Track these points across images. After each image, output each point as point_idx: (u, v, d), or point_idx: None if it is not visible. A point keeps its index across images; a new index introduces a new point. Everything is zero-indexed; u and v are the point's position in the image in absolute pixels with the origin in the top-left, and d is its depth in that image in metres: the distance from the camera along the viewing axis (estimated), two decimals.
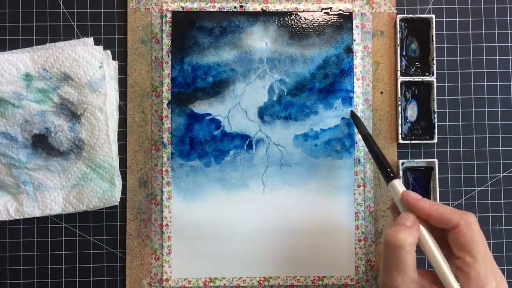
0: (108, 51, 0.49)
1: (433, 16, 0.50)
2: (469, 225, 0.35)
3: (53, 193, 0.49)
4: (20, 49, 0.49)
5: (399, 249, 0.35)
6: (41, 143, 0.48)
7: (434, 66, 0.50)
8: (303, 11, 0.50)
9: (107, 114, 0.48)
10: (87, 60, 0.48)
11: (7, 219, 0.49)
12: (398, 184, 0.39)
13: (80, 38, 0.50)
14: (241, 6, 0.50)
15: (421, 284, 0.35)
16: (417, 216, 0.37)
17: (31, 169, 0.48)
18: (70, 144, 0.48)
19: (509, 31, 0.52)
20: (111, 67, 0.49)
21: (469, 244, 0.34)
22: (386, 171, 0.41)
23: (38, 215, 0.49)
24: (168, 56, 0.50)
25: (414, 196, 0.38)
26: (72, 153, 0.48)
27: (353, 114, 0.49)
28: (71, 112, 0.48)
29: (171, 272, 0.49)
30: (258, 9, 0.50)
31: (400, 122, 0.50)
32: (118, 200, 0.49)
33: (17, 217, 0.49)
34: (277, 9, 0.50)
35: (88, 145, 0.48)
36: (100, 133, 0.48)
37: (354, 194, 0.50)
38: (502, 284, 0.34)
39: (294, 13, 0.50)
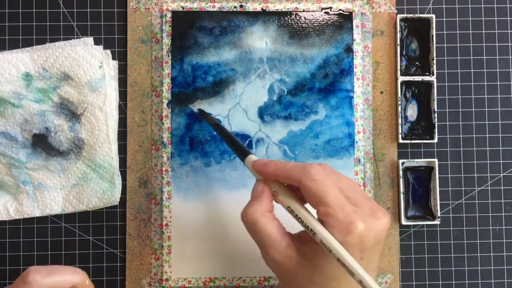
0: (108, 51, 0.49)
1: (433, 16, 0.50)
2: (310, 176, 0.33)
3: (53, 193, 0.49)
4: (20, 48, 0.49)
5: (255, 224, 0.34)
6: (41, 143, 0.48)
7: (434, 66, 0.50)
8: (303, 11, 0.50)
9: (107, 114, 0.48)
10: (87, 60, 0.48)
11: (7, 219, 0.49)
12: (253, 158, 0.38)
13: (80, 38, 0.50)
14: (241, 6, 0.50)
15: (297, 246, 0.34)
16: (270, 180, 0.35)
17: (31, 169, 0.48)
18: (70, 144, 0.48)
19: (509, 31, 0.52)
20: (111, 67, 0.50)
21: (316, 194, 0.32)
22: (241, 149, 0.40)
23: (38, 215, 0.49)
24: (168, 56, 0.50)
25: (262, 162, 0.36)
26: (72, 153, 0.48)
27: (201, 111, 0.49)
28: (71, 112, 0.48)
29: (171, 272, 0.49)
30: (258, 9, 0.50)
31: (400, 122, 0.50)
32: (118, 200, 0.49)
33: (17, 217, 0.49)
34: (277, 9, 0.50)
35: (88, 145, 0.48)
36: (100, 133, 0.48)
37: None
38: (373, 218, 0.32)
39: (294, 13, 0.50)
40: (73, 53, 0.48)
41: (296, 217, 0.35)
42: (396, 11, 0.51)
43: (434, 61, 0.50)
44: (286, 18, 0.50)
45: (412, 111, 0.51)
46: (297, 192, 0.36)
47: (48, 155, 0.48)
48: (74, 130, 0.48)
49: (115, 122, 0.49)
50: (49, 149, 0.48)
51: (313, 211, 0.35)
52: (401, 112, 0.50)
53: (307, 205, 0.35)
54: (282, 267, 0.34)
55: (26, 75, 0.47)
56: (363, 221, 0.32)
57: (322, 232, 0.32)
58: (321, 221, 0.33)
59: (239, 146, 0.41)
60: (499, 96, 0.52)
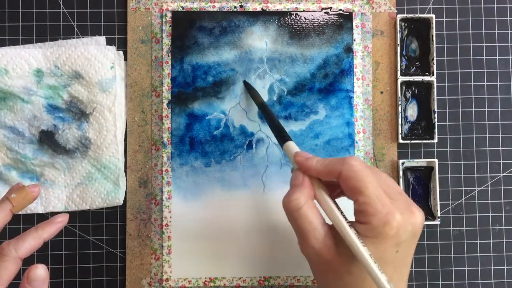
0: (121, 52, 0.50)
1: (433, 16, 0.50)
2: (351, 168, 0.34)
3: (57, 191, 0.49)
4: (33, 44, 0.50)
5: (298, 210, 0.35)
6: (48, 140, 0.49)
7: (434, 66, 0.50)
8: (303, 11, 0.51)
9: (116, 115, 0.48)
10: (99, 60, 0.48)
11: None
12: (292, 146, 0.40)
13: (80, 37, 0.51)
14: (241, 6, 0.51)
15: (334, 236, 0.35)
16: (310, 175, 0.37)
17: (37, 165, 0.49)
18: (77, 142, 0.49)
19: (509, 31, 0.52)
20: (122, 68, 0.50)
21: (356, 184, 0.33)
22: (281, 135, 0.42)
23: (40, 212, 0.49)
24: (168, 56, 0.50)
25: (304, 155, 0.38)
26: (78, 152, 0.49)
27: (246, 84, 0.50)
28: (80, 111, 0.49)
29: (171, 272, 0.49)
30: (258, 9, 0.51)
31: (400, 122, 0.50)
32: (122, 202, 0.49)
33: (19, 212, 0.49)
34: (277, 9, 0.51)
35: (94, 145, 0.49)
36: (107, 134, 0.48)
37: None
38: (409, 212, 0.34)
39: (294, 13, 0.50)
40: (85, 52, 0.48)
41: (328, 213, 0.36)
42: (396, 11, 0.52)
43: (434, 61, 0.50)
44: (286, 18, 0.50)
45: (412, 111, 0.51)
46: (332, 191, 0.38)
47: (54, 152, 0.49)
48: (82, 129, 0.49)
49: (123, 123, 0.50)
50: (56, 147, 0.49)
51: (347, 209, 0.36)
52: (401, 112, 0.51)
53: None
54: (319, 255, 0.35)
55: (37, 71, 0.48)
56: (401, 213, 0.33)
57: (350, 234, 0.33)
58: (357, 210, 0.34)
59: (280, 130, 0.43)
60: (499, 96, 0.52)
